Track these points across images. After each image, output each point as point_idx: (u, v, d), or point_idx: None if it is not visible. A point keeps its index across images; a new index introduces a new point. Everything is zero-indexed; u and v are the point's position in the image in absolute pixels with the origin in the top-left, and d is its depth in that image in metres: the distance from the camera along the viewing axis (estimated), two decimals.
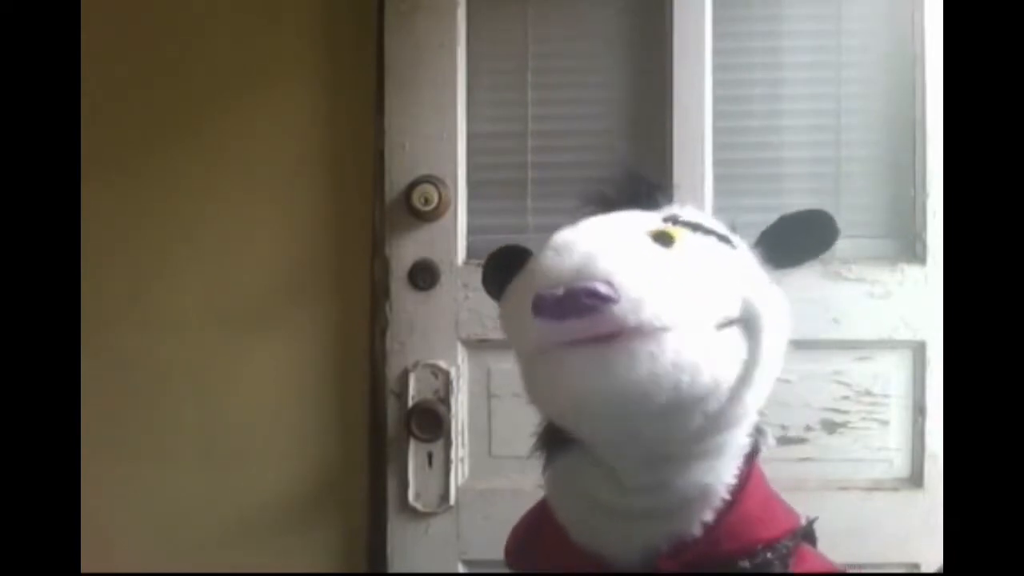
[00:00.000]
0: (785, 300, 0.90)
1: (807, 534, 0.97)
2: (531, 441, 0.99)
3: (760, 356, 0.87)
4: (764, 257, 0.92)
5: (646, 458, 0.88)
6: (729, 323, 0.85)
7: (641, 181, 0.99)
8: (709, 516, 0.89)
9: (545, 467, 0.99)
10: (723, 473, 0.90)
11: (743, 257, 0.91)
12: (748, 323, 0.86)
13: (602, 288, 0.78)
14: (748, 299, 0.86)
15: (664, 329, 0.80)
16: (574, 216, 0.92)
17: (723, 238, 0.91)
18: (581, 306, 0.78)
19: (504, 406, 1.58)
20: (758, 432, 0.93)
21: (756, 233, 0.95)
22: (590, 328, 0.79)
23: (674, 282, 0.82)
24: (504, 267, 0.98)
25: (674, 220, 0.91)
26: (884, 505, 1.54)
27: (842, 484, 1.55)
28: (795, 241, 0.93)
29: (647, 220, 0.90)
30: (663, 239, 0.86)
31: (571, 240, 0.85)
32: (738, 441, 0.91)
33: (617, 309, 0.78)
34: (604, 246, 0.83)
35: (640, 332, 0.79)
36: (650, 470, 0.89)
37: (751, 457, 0.93)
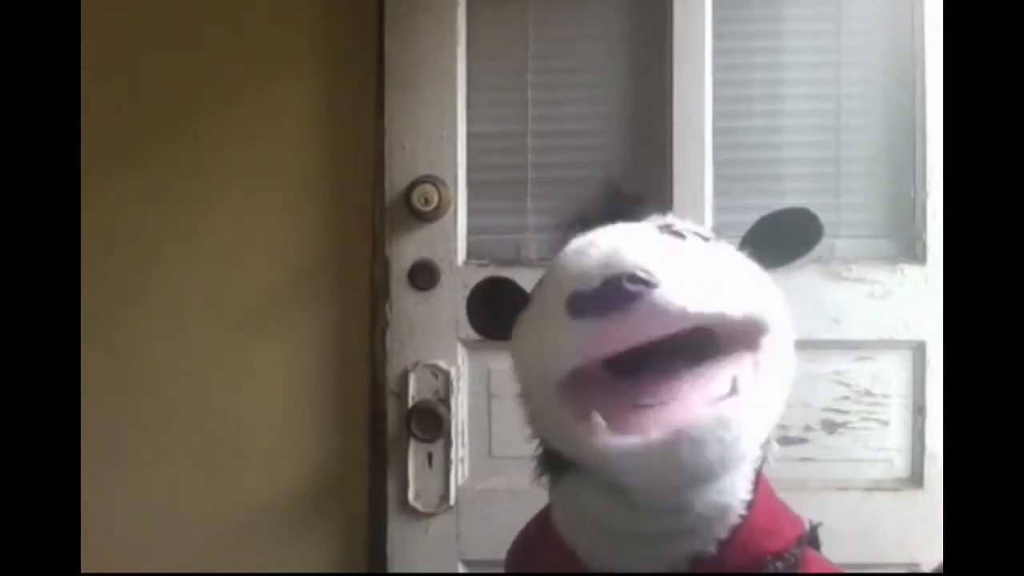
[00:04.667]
0: (785, 300, 0.89)
1: (811, 539, 0.96)
2: (530, 442, 0.98)
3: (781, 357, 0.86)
4: (750, 259, 0.90)
5: (671, 482, 0.85)
6: None
7: (619, 195, 0.96)
8: (724, 534, 0.88)
9: (551, 492, 0.97)
10: (739, 490, 0.88)
11: (741, 259, 0.90)
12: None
13: (641, 272, 0.74)
14: (766, 298, 0.85)
15: (716, 360, 0.78)
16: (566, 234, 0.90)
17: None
18: (624, 294, 0.73)
19: (504, 406, 1.58)
20: (766, 442, 0.92)
21: None
22: (640, 331, 0.74)
23: (703, 270, 0.80)
24: (491, 302, 0.95)
25: (668, 228, 0.89)
26: (884, 505, 1.54)
27: (842, 484, 1.55)
28: (779, 241, 0.92)
29: (645, 228, 0.89)
30: (675, 234, 0.85)
31: (589, 241, 0.82)
32: (753, 455, 0.89)
33: (658, 294, 0.74)
34: (626, 240, 0.80)
35: (686, 331, 0.76)
36: (673, 492, 0.86)
37: (759, 468, 0.92)
